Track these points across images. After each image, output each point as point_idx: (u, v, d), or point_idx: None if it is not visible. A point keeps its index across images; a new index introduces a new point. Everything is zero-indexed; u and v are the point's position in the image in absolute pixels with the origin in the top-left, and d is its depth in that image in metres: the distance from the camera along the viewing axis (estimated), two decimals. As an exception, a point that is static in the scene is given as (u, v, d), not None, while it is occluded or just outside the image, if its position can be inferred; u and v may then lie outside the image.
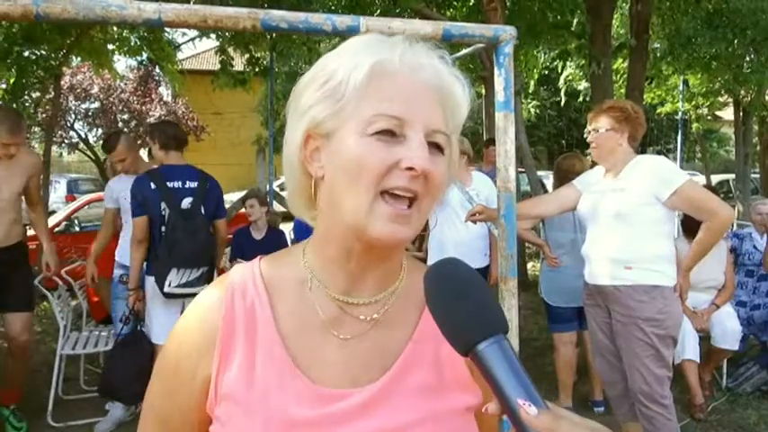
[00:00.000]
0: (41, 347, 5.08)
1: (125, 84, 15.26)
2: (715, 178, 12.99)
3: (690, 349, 3.51)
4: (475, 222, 2.68)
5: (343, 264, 0.69)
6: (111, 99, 15.60)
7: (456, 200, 3.33)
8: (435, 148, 0.65)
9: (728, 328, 3.64)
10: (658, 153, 20.58)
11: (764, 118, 9.87)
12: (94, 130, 16.82)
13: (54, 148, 17.58)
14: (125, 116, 16.08)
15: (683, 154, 9.69)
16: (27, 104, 6.06)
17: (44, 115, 10.36)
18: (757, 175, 11.90)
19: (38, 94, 6.35)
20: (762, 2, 5.24)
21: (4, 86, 6.32)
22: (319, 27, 2.09)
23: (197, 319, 0.72)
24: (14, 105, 5.86)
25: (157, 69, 14.60)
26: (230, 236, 5.68)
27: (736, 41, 5.44)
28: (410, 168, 0.61)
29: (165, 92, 17.30)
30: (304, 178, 0.69)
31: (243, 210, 6.62)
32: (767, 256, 3.95)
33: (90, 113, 15.83)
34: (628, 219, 2.45)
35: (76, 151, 17.30)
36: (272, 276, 0.72)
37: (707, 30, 5.48)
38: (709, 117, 11.20)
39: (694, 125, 10.48)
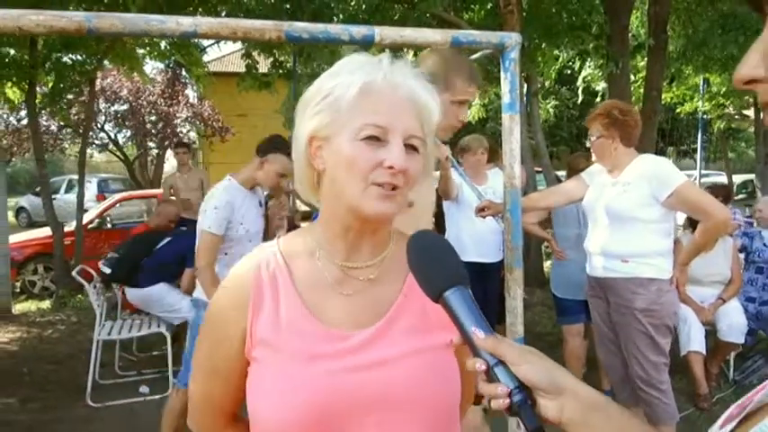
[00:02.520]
0: (78, 336, 5.38)
1: (153, 86, 15.65)
2: (739, 178, 12.83)
3: (696, 341, 3.62)
4: (484, 217, 2.84)
5: (344, 236, 0.87)
6: (140, 101, 16.02)
7: (472, 197, 3.49)
8: (412, 149, 0.83)
9: (734, 322, 3.74)
10: (678, 153, 20.26)
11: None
12: (124, 131, 17.30)
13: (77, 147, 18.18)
14: (152, 118, 16.48)
15: (704, 154, 9.62)
16: (64, 107, 6.39)
17: (75, 117, 10.77)
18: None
19: (71, 96, 6.68)
20: None
21: (42, 90, 6.66)
22: (338, 37, 2.28)
23: (232, 286, 0.91)
24: (52, 108, 6.19)
25: (184, 72, 15.00)
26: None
27: (749, 42, 5.47)
28: (391, 167, 0.80)
29: (191, 94, 17.68)
30: (308, 170, 0.88)
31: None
32: None
33: (119, 115, 16.26)
34: (626, 217, 2.58)
35: (105, 152, 17.80)
36: (289, 250, 0.92)
37: (720, 32, 5.53)
38: (736, 116, 11.06)
39: (716, 125, 10.40)
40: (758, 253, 4.30)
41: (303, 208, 7.07)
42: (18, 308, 6.36)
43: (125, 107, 16.30)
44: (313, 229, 0.94)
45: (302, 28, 2.24)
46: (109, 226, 8.04)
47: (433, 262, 0.74)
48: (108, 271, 4.07)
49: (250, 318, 0.87)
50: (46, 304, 6.52)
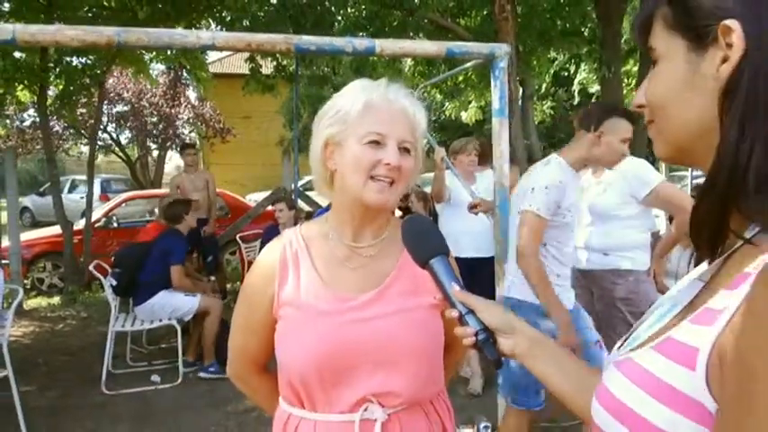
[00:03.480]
0: (88, 330, 5.59)
1: (156, 88, 15.84)
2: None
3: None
4: (476, 214, 3.06)
5: (351, 222, 1.11)
6: (142, 103, 16.21)
7: (464, 197, 3.71)
8: (405, 150, 1.06)
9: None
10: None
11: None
12: (125, 132, 17.47)
13: (86, 149, 18.37)
14: (154, 119, 16.65)
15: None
16: (74, 109, 6.58)
17: (81, 118, 10.94)
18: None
19: (83, 99, 6.87)
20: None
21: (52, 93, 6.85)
22: (342, 49, 2.51)
23: (263, 263, 1.15)
24: (62, 110, 6.39)
25: (185, 74, 15.18)
26: (260, 230, 6.17)
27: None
28: (388, 164, 1.03)
29: (192, 95, 17.87)
30: (323, 170, 1.12)
31: (269, 208, 7.13)
32: None
33: (121, 116, 16.43)
34: (607, 215, 2.80)
35: (107, 153, 17.95)
36: (307, 234, 1.16)
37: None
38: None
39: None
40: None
41: (307, 209, 7.29)
42: (29, 303, 6.56)
43: (127, 108, 16.48)
44: (326, 217, 1.17)
45: (309, 41, 2.47)
46: (115, 225, 8.24)
47: (421, 238, 0.95)
48: (114, 283, 4.26)
49: (277, 286, 1.10)
50: (55, 300, 6.73)
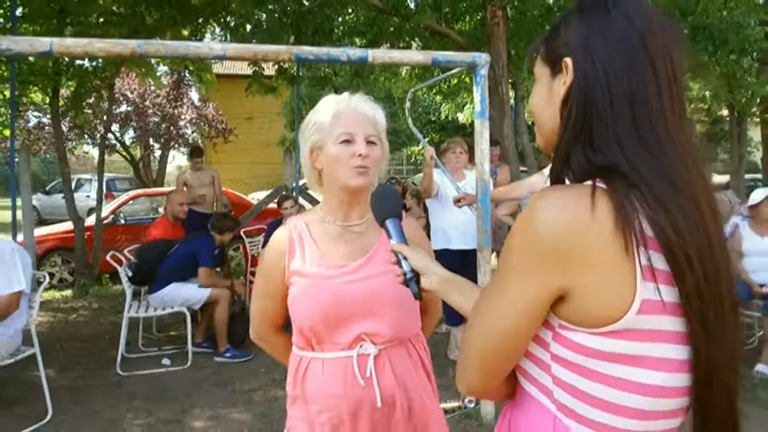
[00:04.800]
0: (100, 319, 5.91)
1: (159, 89, 16.12)
2: (723, 178, 13.36)
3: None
4: (460, 206, 3.35)
5: (340, 207, 1.42)
6: (146, 103, 16.51)
7: (452, 192, 4.00)
8: (371, 143, 1.37)
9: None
10: None
11: (766, 120, 10.31)
12: (129, 132, 17.77)
13: (89, 148, 18.69)
14: (156, 119, 16.92)
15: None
16: (85, 110, 6.87)
17: (84, 119, 11.19)
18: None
19: (91, 100, 7.15)
20: (733, 20, 5.83)
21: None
22: (338, 57, 2.82)
23: (275, 243, 1.45)
24: (74, 111, 6.68)
25: (188, 75, 15.46)
26: (263, 226, 6.48)
27: (718, 53, 6.04)
28: (360, 155, 1.34)
29: (195, 96, 18.16)
30: (312, 170, 1.44)
31: (271, 205, 7.45)
32: (734, 255, 4.52)
33: (124, 116, 16.71)
34: None
35: (110, 152, 18.21)
36: (308, 219, 1.47)
37: (690, 42, 6.08)
38: (706, 119, 11.71)
39: (697, 126, 10.94)
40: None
41: (308, 206, 7.59)
42: (43, 295, 6.85)
43: (130, 108, 16.76)
44: (320, 206, 1.49)
45: (308, 51, 2.78)
46: (122, 222, 8.56)
47: (381, 203, 1.24)
48: (130, 274, 4.58)
49: (287, 259, 1.41)
50: (68, 293, 7.03)
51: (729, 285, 0.80)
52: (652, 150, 0.77)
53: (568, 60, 0.83)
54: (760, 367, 4.11)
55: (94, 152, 19.46)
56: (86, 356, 4.69)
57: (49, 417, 3.47)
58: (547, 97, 0.89)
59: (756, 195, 4.47)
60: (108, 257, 4.58)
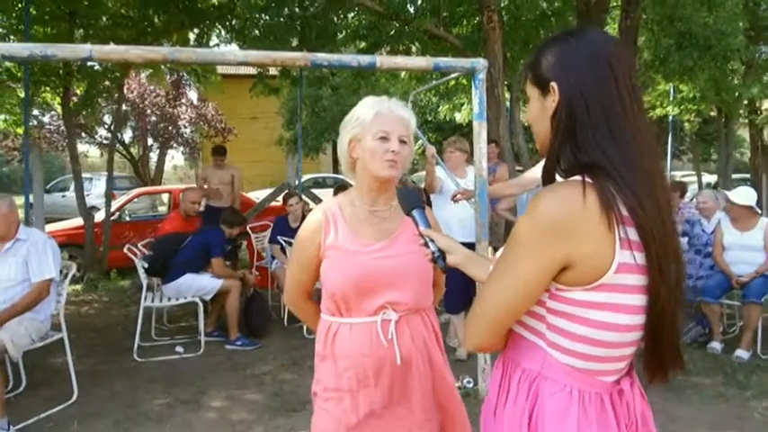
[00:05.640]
0: (111, 311, 6.14)
1: (159, 89, 16.31)
2: (714, 177, 13.67)
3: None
4: (457, 201, 3.61)
5: (369, 194, 1.67)
6: (146, 102, 16.70)
7: (453, 189, 4.25)
8: (402, 142, 1.62)
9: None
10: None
11: (753, 121, 10.62)
12: (128, 131, 17.94)
13: (88, 147, 18.82)
14: (153, 118, 17.07)
15: (673, 150, 10.60)
16: (95, 110, 7.08)
17: (95, 119, 11.37)
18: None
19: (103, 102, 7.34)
20: (716, 27, 6.13)
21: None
22: (349, 63, 3.07)
23: (312, 222, 1.69)
24: (85, 111, 6.89)
25: (186, 75, 15.63)
26: (268, 222, 6.72)
27: (702, 58, 6.34)
28: (392, 151, 1.58)
29: (194, 95, 18.34)
30: (349, 159, 1.68)
31: (274, 203, 7.70)
32: (717, 247, 4.78)
33: (123, 116, 16.84)
34: None
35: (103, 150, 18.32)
36: (340, 202, 1.72)
37: (677, 48, 6.36)
38: (697, 119, 12.04)
39: (687, 126, 11.26)
40: (697, 237, 5.10)
41: (312, 204, 7.85)
42: (53, 290, 7.08)
43: (129, 108, 16.91)
44: (351, 191, 1.74)
45: (323, 57, 3.03)
46: (127, 218, 8.79)
47: (407, 198, 1.50)
48: (146, 266, 4.83)
49: (323, 235, 1.66)
50: (77, 287, 7.25)
51: (675, 247, 1.05)
52: (622, 148, 1.03)
53: (554, 85, 1.08)
54: (739, 352, 4.39)
55: (93, 151, 19.63)
56: (101, 346, 4.92)
57: (74, 397, 3.71)
58: (539, 112, 1.14)
59: (734, 195, 4.73)
60: (125, 250, 4.81)
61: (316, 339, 1.72)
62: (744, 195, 4.68)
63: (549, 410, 1.05)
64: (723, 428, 3.32)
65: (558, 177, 1.10)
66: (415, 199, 1.48)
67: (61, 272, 3.72)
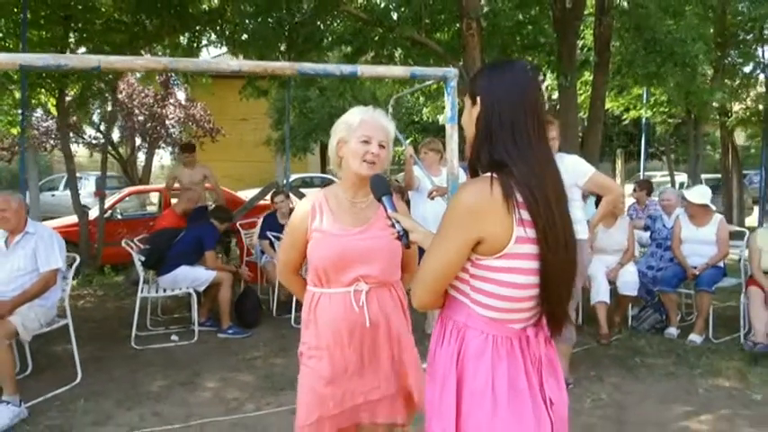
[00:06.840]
0: (107, 305, 6.41)
1: (148, 89, 16.48)
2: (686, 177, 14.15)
3: (601, 293, 4.76)
4: (433, 198, 3.96)
5: (351, 187, 2.01)
6: (135, 103, 16.86)
7: (429, 186, 4.60)
8: (381, 146, 1.96)
9: (628, 280, 4.92)
10: (627, 154, 21.68)
11: (724, 123, 11.10)
12: (117, 131, 18.05)
13: (76, 147, 18.92)
14: (141, 118, 17.20)
15: (647, 152, 11.05)
16: (90, 111, 7.31)
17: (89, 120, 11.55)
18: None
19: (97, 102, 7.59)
20: (677, 35, 6.54)
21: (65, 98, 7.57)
22: (333, 72, 3.38)
23: (302, 208, 2.03)
24: (80, 112, 7.12)
25: (174, 75, 15.82)
26: (255, 220, 7.01)
27: (665, 64, 6.75)
28: (372, 153, 1.92)
29: (182, 96, 18.51)
30: (336, 157, 2.02)
31: (262, 201, 7.99)
32: (675, 240, 5.17)
33: (113, 116, 16.93)
34: None
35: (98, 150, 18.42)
36: (326, 193, 2.06)
37: (643, 54, 6.76)
38: (670, 121, 12.55)
39: (659, 128, 11.72)
40: (658, 232, 5.49)
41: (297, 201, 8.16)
42: (48, 285, 7.32)
43: (118, 108, 17.02)
44: (338, 184, 2.07)
45: (309, 67, 3.34)
46: (119, 216, 9.04)
47: (377, 185, 1.82)
48: (143, 259, 5.12)
49: (310, 221, 1.99)
50: (73, 282, 7.48)
51: (565, 226, 1.39)
52: (522, 152, 1.37)
53: (479, 98, 1.42)
54: (692, 337, 4.77)
55: (82, 151, 19.73)
56: (99, 335, 5.20)
57: (78, 379, 4.00)
58: (469, 118, 1.48)
59: (690, 194, 5.13)
60: (123, 244, 5.10)
61: (302, 309, 2.05)
62: (699, 194, 5.07)
63: (470, 351, 1.40)
64: (670, 402, 3.69)
65: (479, 172, 1.43)
66: (384, 187, 1.80)
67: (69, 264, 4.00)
